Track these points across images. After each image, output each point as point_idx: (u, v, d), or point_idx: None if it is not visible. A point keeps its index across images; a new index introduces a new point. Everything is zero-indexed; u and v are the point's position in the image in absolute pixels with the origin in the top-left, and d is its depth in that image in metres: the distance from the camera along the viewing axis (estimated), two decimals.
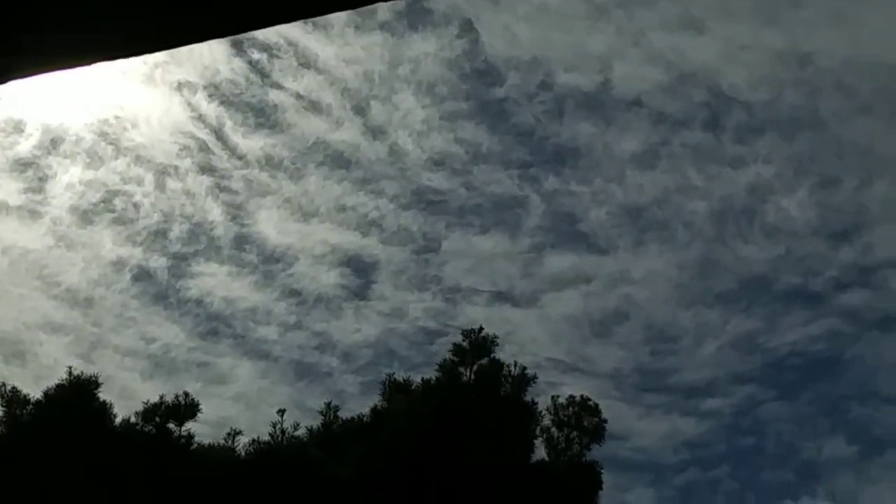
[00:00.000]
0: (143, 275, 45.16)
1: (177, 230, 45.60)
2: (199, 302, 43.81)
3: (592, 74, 46.59)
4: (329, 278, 46.31)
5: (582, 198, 45.53)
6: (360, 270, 44.97)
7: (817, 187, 46.71)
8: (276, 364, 45.14)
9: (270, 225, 45.88)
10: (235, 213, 43.38)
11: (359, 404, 42.49)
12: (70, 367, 34.01)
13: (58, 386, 33.59)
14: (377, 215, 43.49)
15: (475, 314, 43.79)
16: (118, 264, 43.95)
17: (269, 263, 43.57)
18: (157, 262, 45.95)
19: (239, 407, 42.33)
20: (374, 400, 46.09)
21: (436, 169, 44.18)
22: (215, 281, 42.91)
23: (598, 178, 45.20)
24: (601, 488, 33.55)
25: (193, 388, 44.61)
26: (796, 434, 48.53)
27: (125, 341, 45.28)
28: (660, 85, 47.56)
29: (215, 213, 44.08)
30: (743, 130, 46.11)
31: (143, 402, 34.08)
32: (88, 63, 1.95)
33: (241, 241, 44.44)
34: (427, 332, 45.08)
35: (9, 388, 33.60)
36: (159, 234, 45.18)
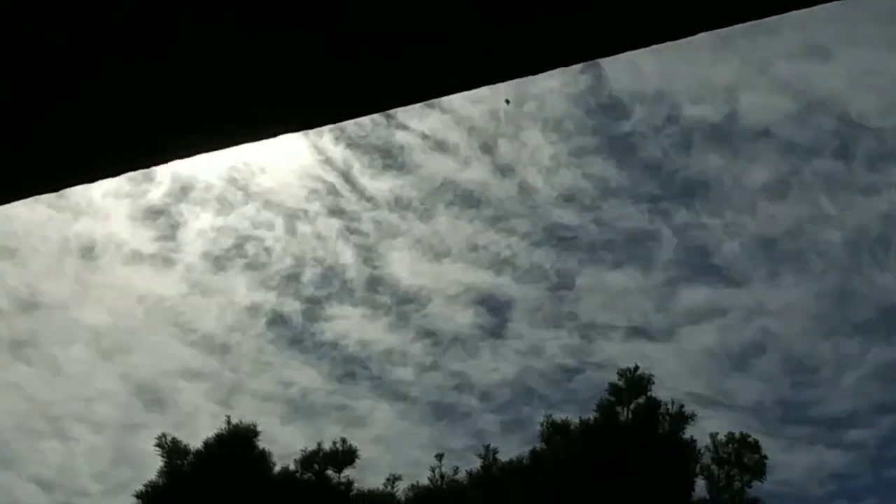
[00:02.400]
0: (277, 319, 44.94)
1: (309, 274, 45.45)
2: (334, 345, 43.69)
3: (719, 105, 46.28)
4: (464, 318, 46.12)
5: (714, 230, 45.19)
6: (494, 309, 44.70)
7: None
8: (415, 405, 44.98)
9: (402, 266, 45.66)
10: (367, 255, 43.26)
11: (501, 443, 42.36)
12: (228, 417, 33.97)
13: (217, 435, 33.54)
14: (509, 253, 43.25)
15: (612, 350, 43.41)
16: (252, 309, 43.83)
17: (402, 304, 43.36)
18: (291, 307, 45.74)
19: (379, 449, 42.24)
20: (516, 439, 45.91)
21: (566, 205, 44.00)
22: (350, 323, 42.75)
23: (729, 209, 44.85)
24: None
25: (333, 432, 44.64)
26: None
27: (263, 386, 45.40)
28: (787, 114, 47.19)
29: (347, 255, 43.95)
30: (874, 157, 45.68)
31: (302, 450, 34.02)
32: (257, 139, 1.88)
33: (373, 283, 44.30)
34: (565, 370, 44.74)
35: (168, 438, 33.60)
36: (292, 278, 45.03)
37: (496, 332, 45.64)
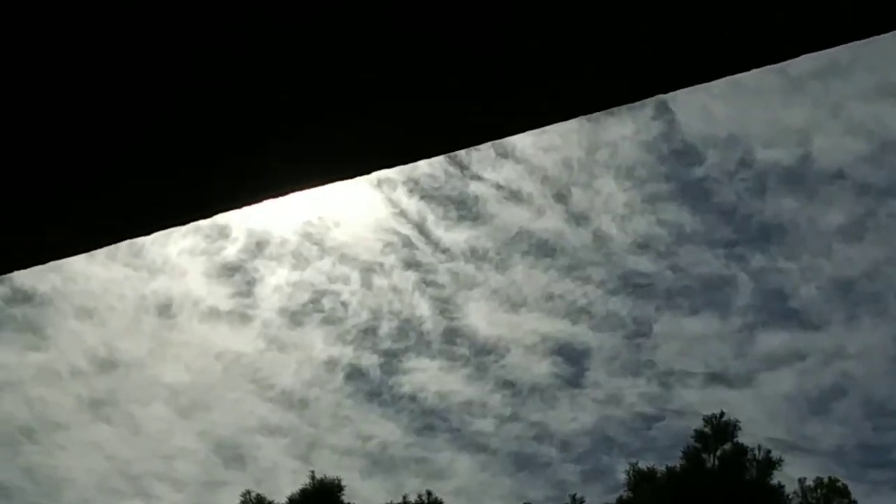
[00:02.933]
0: (355, 373, 45.27)
1: (386, 327, 45.67)
2: (412, 398, 43.77)
3: (792, 148, 45.79)
4: (541, 368, 45.88)
5: (790, 274, 44.63)
6: (571, 358, 44.48)
7: None
8: (495, 457, 44.76)
9: (479, 317, 45.71)
10: (443, 306, 43.26)
11: (581, 493, 41.86)
12: (312, 472, 33.99)
13: (301, 490, 33.58)
14: (585, 302, 43.00)
15: (690, 397, 42.95)
16: (330, 364, 44.10)
17: (480, 356, 43.31)
18: (369, 360, 46.03)
19: (460, 501, 41.95)
20: (597, 489, 45.56)
21: (640, 252, 43.67)
22: (427, 376, 42.76)
23: (805, 253, 44.28)
24: None
25: (413, 485, 44.62)
26: None
27: (342, 440, 45.41)
28: (861, 155, 46.54)
29: (423, 307, 44.03)
30: None
31: (388, 503, 33.95)
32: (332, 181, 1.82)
33: (450, 335, 44.29)
34: (644, 418, 44.35)
35: (253, 495, 33.71)
36: (369, 331, 45.36)
37: (574, 381, 45.33)
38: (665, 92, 1.65)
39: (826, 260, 46.29)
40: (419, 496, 33.96)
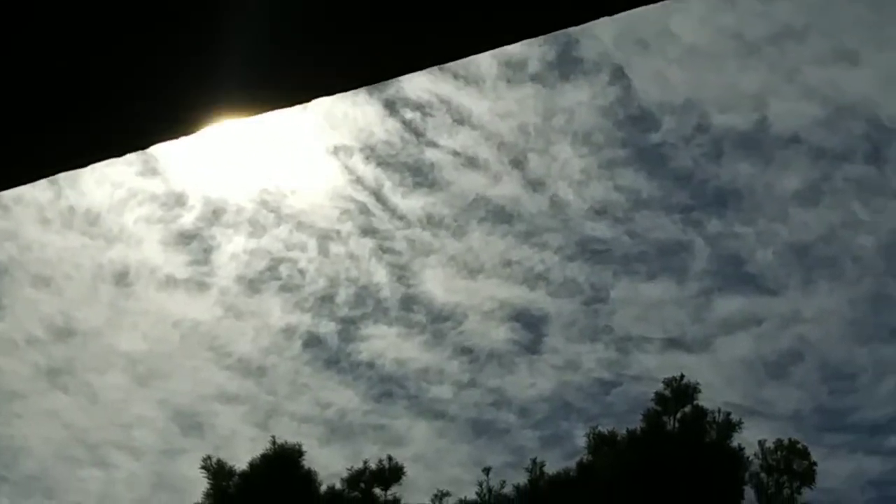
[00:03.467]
0: (313, 341, 45.01)
1: (343, 294, 45.48)
2: (370, 365, 43.64)
3: (748, 113, 45.88)
4: (499, 334, 45.85)
5: (747, 239, 44.79)
6: (529, 325, 44.51)
7: None
8: (453, 423, 44.70)
9: (436, 283, 45.47)
10: (400, 273, 43.16)
11: (540, 459, 42.14)
12: (273, 437, 33.91)
13: (262, 456, 33.52)
14: (542, 268, 43.03)
15: (648, 362, 43.16)
16: (288, 331, 43.89)
17: (437, 322, 43.25)
18: (327, 328, 45.80)
19: (419, 468, 41.88)
20: (556, 454, 45.74)
21: (597, 218, 43.66)
22: (385, 343, 42.68)
23: (761, 217, 44.44)
24: None
25: (371, 452, 44.41)
26: None
27: (300, 408, 45.20)
28: (817, 120, 46.67)
29: (380, 274, 43.91)
30: None
31: (348, 469, 33.98)
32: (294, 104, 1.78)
33: (408, 302, 44.22)
34: (602, 383, 44.47)
35: (214, 460, 33.62)
36: (326, 299, 45.06)
37: (532, 347, 45.31)
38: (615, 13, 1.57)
39: (782, 224, 46.58)
40: (380, 461, 34.00)
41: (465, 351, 44.90)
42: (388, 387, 45.57)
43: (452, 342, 44.15)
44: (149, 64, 1.63)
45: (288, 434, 41.65)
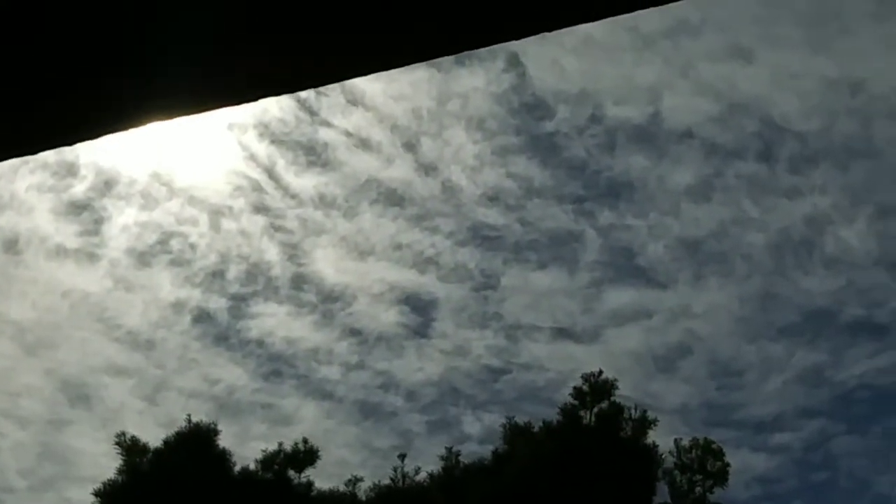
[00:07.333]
0: (203, 316, 44.84)
1: (234, 271, 45.35)
2: (260, 343, 43.22)
3: (642, 106, 46.23)
4: (389, 317, 45.65)
5: (638, 232, 45.17)
6: (419, 308, 44.46)
7: (876, 217, 46.25)
8: (341, 404, 44.50)
9: (327, 264, 45.37)
10: (291, 252, 43.12)
11: (427, 444, 42.11)
12: (189, 415, 33.69)
13: (177, 433, 33.31)
14: (433, 252, 43.14)
15: (537, 351, 43.38)
16: (177, 306, 43.56)
17: (327, 303, 43.23)
18: (217, 304, 45.35)
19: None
20: (442, 439, 45.90)
21: (489, 205, 43.89)
22: (275, 321, 42.52)
23: (653, 211, 44.92)
24: None
25: (259, 430, 44.08)
26: (868, 468, 47.66)
27: (189, 383, 44.56)
28: (710, 116, 47.34)
29: (271, 252, 43.83)
30: (797, 160, 45.14)
31: (263, 450, 33.84)
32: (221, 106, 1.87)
33: (298, 281, 44.02)
34: (491, 370, 44.49)
35: (128, 436, 33.36)
36: (217, 274, 44.61)
37: (421, 331, 45.26)
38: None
39: (674, 219, 46.87)
40: (295, 443, 33.92)
41: (355, 332, 44.54)
42: (276, 365, 45.38)
43: (342, 323, 43.93)
44: (91, 59, 1.67)
45: (176, 409, 41.09)
